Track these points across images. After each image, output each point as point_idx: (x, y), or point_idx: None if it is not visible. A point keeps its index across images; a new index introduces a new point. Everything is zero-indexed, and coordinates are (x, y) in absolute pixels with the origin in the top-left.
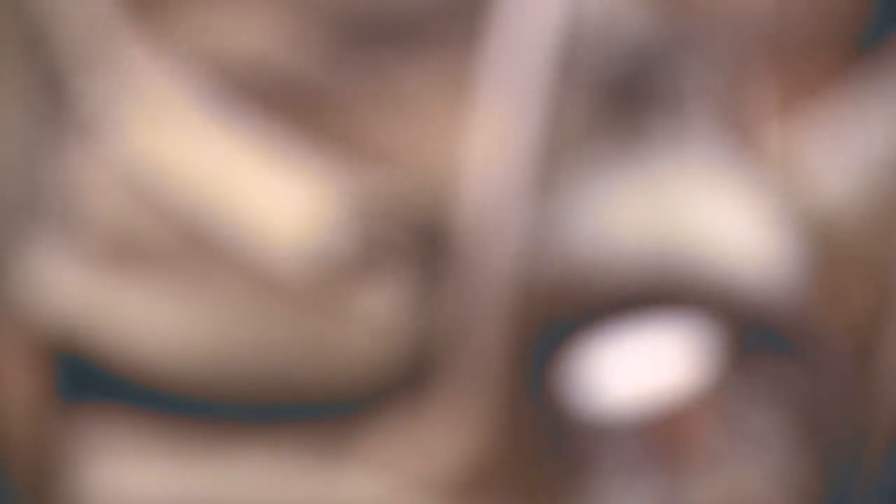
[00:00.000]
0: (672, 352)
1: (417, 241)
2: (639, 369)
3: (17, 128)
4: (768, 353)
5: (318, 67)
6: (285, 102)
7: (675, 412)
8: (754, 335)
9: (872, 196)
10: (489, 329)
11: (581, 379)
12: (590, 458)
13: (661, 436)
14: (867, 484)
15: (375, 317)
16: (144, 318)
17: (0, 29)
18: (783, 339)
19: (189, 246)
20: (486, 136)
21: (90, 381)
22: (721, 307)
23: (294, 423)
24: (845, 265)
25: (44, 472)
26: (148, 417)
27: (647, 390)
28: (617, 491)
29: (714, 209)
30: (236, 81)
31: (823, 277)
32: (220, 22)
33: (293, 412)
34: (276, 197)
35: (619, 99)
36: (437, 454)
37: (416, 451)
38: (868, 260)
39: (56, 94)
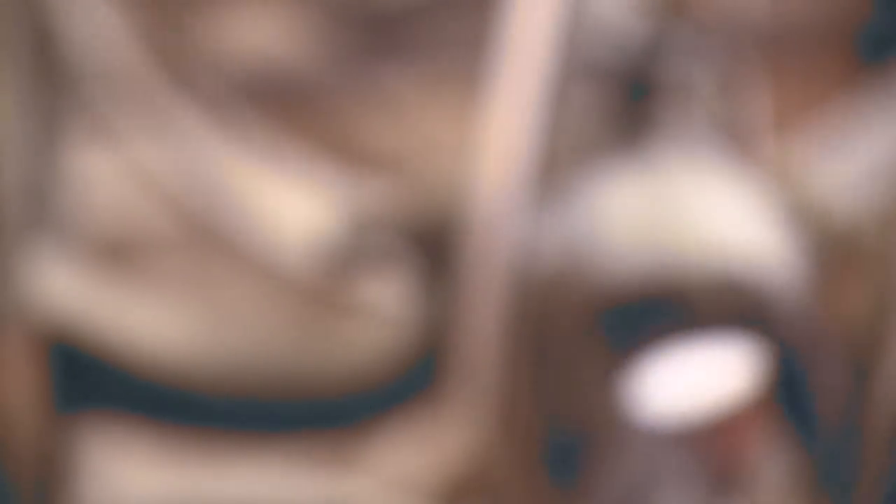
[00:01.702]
0: (723, 359)
1: (418, 242)
2: (692, 376)
3: (20, 129)
4: (765, 353)
5: (320, 69)
6: (287, 105)
7: (727, 421)
8: (753, 336)
9: (873, 199)
10: (489, 329)
11: (634, 386)
12: (640, 470)
13: (713, 445)
14: (867, 485)
15: (377, 314)
16: (148, 316)
17: (5, 31)
18: (785, 341)
19: (194, 244)
20: (488, 137)
21: (90, 383)
22: (722, 308)
23: (296, 429)
24: (845, 267)
25: (44, 475)
26: (150, 423)
27: (699, 398)
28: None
29: (715, 209)
30: (239, 84)
31: (823, 279)
32: (223, 25)
33: (295, 415)
34: (279, 198)
35: (619, 99)
36: (438, 456)
37: (417, 453)
38: (868, 262)
39: (59, 96)
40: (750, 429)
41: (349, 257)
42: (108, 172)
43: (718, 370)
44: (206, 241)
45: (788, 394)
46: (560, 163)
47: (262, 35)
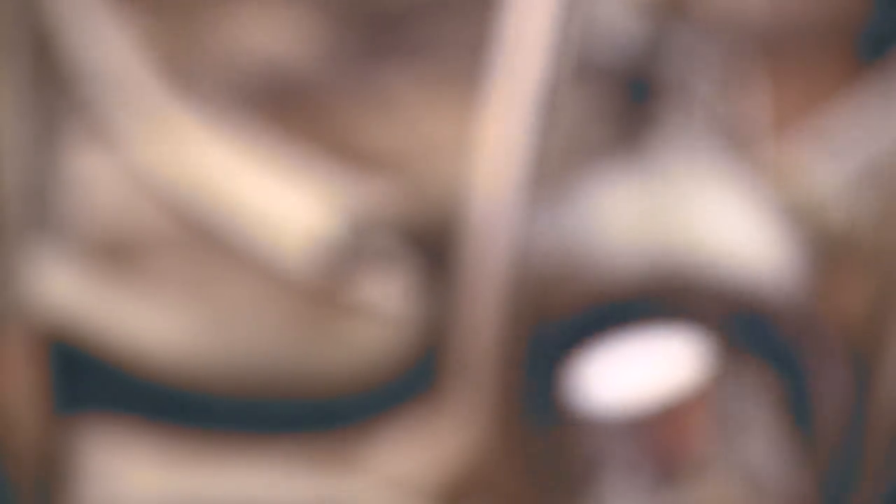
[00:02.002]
0: (670, 350)
1: (417, 242)
2: (637, 367)
3: (19, 129)
4: (764, 353)
5: (320, 70)
6: (287, 105)
7: (672, 411)
8: (751, 334)
9: (872, 199)
10: (488, 329)
11: (580, 377)
12: (588, 459)
13: (658, 435)
14: (867, 485)
15: (377, 314)
16: (148, 316)
17: (4, 32)
18: (782, 338)
19: (194, 244)
20: (486, 137)
21: (90, 384)
22: (720, 306)
23: (296, 430)
24: (844, 267)
25: (44, 475)
26: (150, 424)
27: (644, 389)
28: (613, 492)
29: (714, 209)
30: (240, 84)
31: (822, 279)
32: (224, 26)
33: (295, 415)
34: (279, 198)
35: (618, 99)
36: (438, 456)
37: (417, 454)
38: (867, 263)
39: (59, 97)
40: (695, 420)
41: (349, 257)
42: (108, 173)
43: (663, 361)
44: (205, 240)
45: (788, 393)
46: (558, 163)
47: (262, 36)
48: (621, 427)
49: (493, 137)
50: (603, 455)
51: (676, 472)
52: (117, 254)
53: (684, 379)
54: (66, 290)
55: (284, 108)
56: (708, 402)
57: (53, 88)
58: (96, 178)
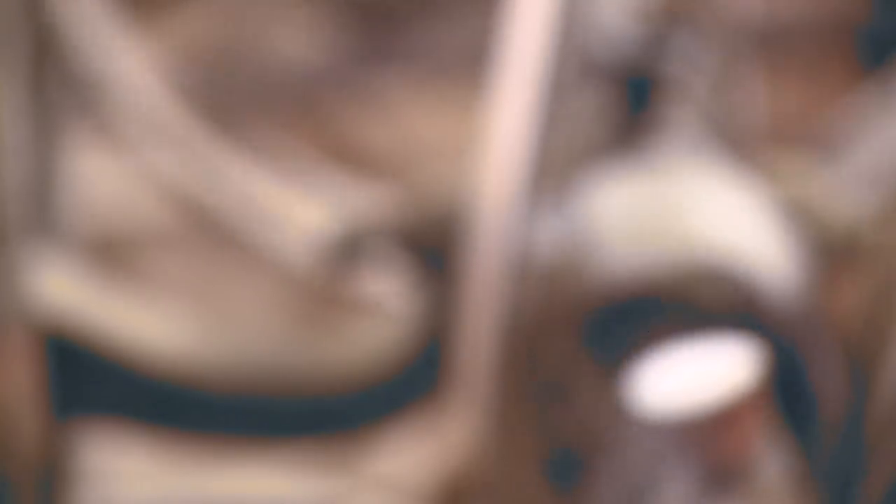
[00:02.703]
0: (718, 354)
1: (417, 243)
2: (685, 371)
3: (20, 129)
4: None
5: (320, 73)
6: (288, 107)
7: (725, 413)
8: (751, 333)
9: (872, 199)
10: (487, 330)
11: (627, 381)
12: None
13: (707, 443)
14: (867, 484)
15: (377, 314)
16: (149, 315)
17: (5, 33)
18: (781, 338)
19: (195, 243)
20: (486, 138)
21: (90, 386)
22: (720, 306)
23: (297, 431)
24: (844, 268)
25: (44, 477)
26: (149, 426)
27: (696, 392)
28: (663, 498)
29: (713, 210)
30: (241, 87)
31: (822, 280)
32: (225, 28)
33: (296, 415)
34: (280, 198)
35: (618, 100)
36: (438, 459)
37: (418, 456)
38: (867, 264)
39: (60, 97)
40: (747, 425)
41: (348, 258)
42: (109, 172)
43: (714, 366)
44: (206, 240)
45: (787, 394)
46: (559, 164)
47: (263, 40)
48: (674, 434)
49: (494, 139)
50: (654, 464)
51: (728, 479)
52: (117, 253)
53: (735, 384)
54: (66, 289)
55: (284, 110)
56: (758, 408)
57: (53, 88)
58: (96, 178)
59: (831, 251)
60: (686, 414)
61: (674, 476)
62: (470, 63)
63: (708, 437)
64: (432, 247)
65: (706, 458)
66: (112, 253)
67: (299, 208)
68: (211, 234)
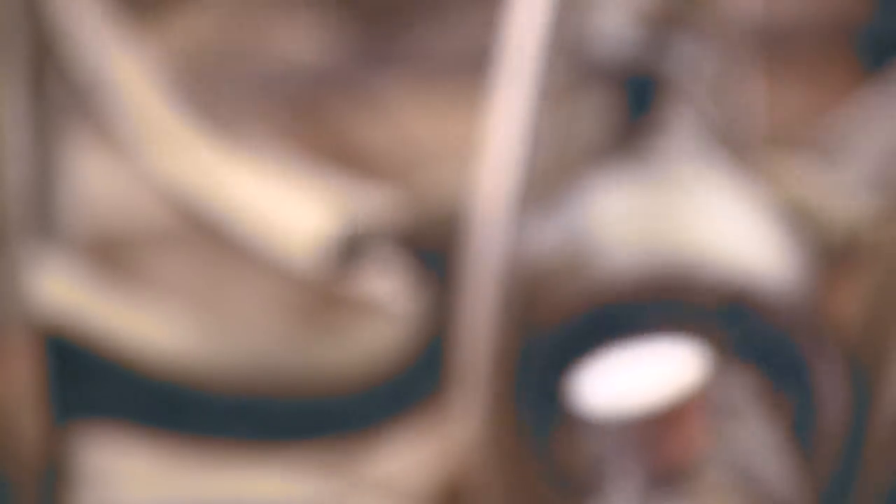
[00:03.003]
0: (668, 352)
1: (417, 244)
2: (635, 369)
3: (20, 129)
4: (763, 353)
5: (320, 75)
6: (288, 110)
7: (669, 413)
8: (750, 334)
9: (872, 201)
10: (487, 331)
11: (580, 379)
12: (590, 461)
13: (655, 437)
14: (867, 488)
15: (377, 314)
16: (149, 315)
17: (5, 36)
18: (781, 339)
19: (195, 244)
20: (486, 139)
21: (90, 389)
22: (719, 307)
23: (298, 433)
24: (844, 269)
25: (43, 480)
26: (149, 429)
27: (642, 391)
28: (614, 495)
29: (712, 210)
30: (241, 88)
31: (822, 281)
32: (226, 30)
33: (297, 417)
34: (280, 200)
35: (617, 101)
36: (439, 461)
37: (418, 459)
38: (867, 265)
39: (60, 98)
40: (691, 426)
41: (349, 259)
42: (109, 173)
43: (657, 368)
44: (207, 240)
45: (787, 395)
46: (557, 165)
47: (265, 41)
48: (619, 429)
49: (493, 141)
50: (603, 458)
51: (674, 475)
52: (117, 254)
53: (681, 381)
54: (66, 290)
55: (285, 112)
56: (704, 404)
57: (54, 90)
58: (96, 179)
59: (831, 252)
60: (630, 415)
61: (619, 476)
62: (469, 65)
63: (652, 437)
64: (432, 248)
65: (650, 458)
66: (112, 254)
67: (299, 209)
68: (211, 235)
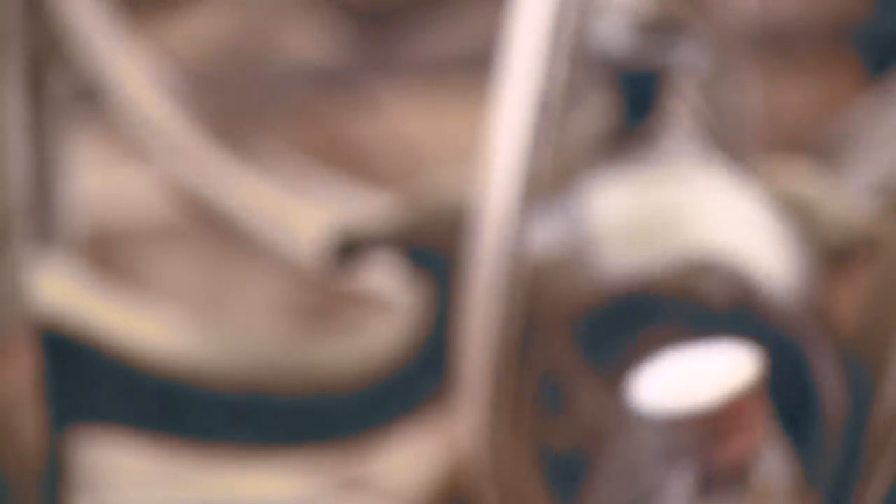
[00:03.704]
0: (724, 354)
1: (418, 245)
2: (690, 370)
3: (20, 128)
4: (764, 359)
5: (320, 77)
6: (288, 111)
7: (725, 413)
8: (751, 334)
9: (873, 202)
10: (488, 330)
11: (626, 381)
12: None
13: (707, 442)
14: (867, 486)
15: (378, 313)
16: (150, 314)
17: (7, 36)
18: (782, 339)
19: (195, 244)
20: (485, 141)
21: (89, 392)
22: (720, 306)
23: (299, 437)
24: (844, 271)
25: (42, 485)
26: (147, 434)
27: (697, 391)
28: (664, 495)
29: (713, 211)
30: (239, 90)
31: (822, 282)
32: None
33: (299, 418)
34: (280, 202)
35: (617, 102)
36: (439, 464)
37: (419, 462)
38: (867, 267)
39: (61, 100)
40: (746, 426)
41: (350, 260)
42: (110, 173)
43: (713, 367)
44: (207, 241)
45: (788, 394)
46: (558, 164)
47: (266, 43)
48: (673, 429)
49: (495, 141)
50: (654, 462)
51: (728, 478)
52: (118, 254)
53: (736, 382)
54: (66, 290)
55: (285, 113)
56: (760, 405)
57: (54, 89)
58: (97, 179)
59: (831, 252)
60: (684, 414)
61: (673, 477)
62: (471, 66)
63: (707, 437)
64: (434, 248)
65: (705, 458)
66: (112, 253)
67: (300, 210)
68: (212, 235)
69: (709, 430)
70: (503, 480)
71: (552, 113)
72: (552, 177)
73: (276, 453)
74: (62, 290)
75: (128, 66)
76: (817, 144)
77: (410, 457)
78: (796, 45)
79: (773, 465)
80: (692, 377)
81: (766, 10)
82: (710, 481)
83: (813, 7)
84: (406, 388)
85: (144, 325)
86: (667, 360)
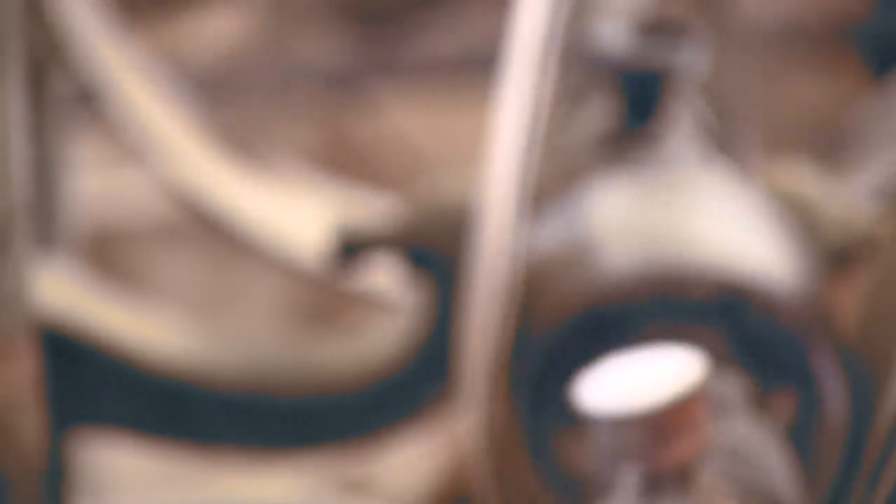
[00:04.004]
0: (667, 352)
1: (419, 246)
2: (637, 370)
3: (20, 127)
4: (764, 354)
5: (320, 78)
6: (288, 113)
7: (670, 413)
8: (750, 335)
9: (874, 203)
10: (489, 330)
11: (583, 378)
12: (593, 461)
13: (654, 436)
14: (868, 490)
15: (379, 314)
16: (150, 313)
17: (8, 38)
18: (782, 339)
19: (195, 245)
20: (487, 142)
21: (88, 396)
22: (720, 306)
23: (300, 440)
24: (844, 272)
25: (41, 487)
26: (147, 437)
27: (643, 391)
28: (612, 495)
29: (714, 213)
30: (237, 92)
31: (823, 283)
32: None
33: (298, 420)
34: (280, 204)
35: (617, 103)
36: (440, 467)
37: (420, 465)
38: (867, 268)
39: (62, 100)
40: (691, 426)
41: (351, 260)
42: (111, 174)
43: (658, 369)
44: (208, 240)
45: (789, 394)
46: (559, 165)
47: (268, 44)
48: (620, 429)
49: (496, 142)
50: (604, 458)
51: (675, 476)
52: (118, 254)
53: (682, 381)
54: (66, 290)
55: (285, 114)
56: (705, 404)
57: (55, 89)
58: (98, 179)
59: (832, 252)
60: (630, 414)
61: (620, 478)
62: (471, 68)
63: (651, 439)
64: (435, 249)
65: (650, 460)
66: (114, 255)
67: (302, 210)
68: (213, 236)
69: (653, 431)
70: (504, 480)
71: (552, 114)
72: (553, 178)
73: (276, 454)
74: (63, 291)
75: (128, 67)
76: (819, 144)
77: (411, 457)
78: (798, 45)
79: (713, 469)
80: (637, 380)
81: (768, 11)
82: (655, 482)
83: (814, 7)
84: (407, 389)
85: (145, 325)
86: (613, 362)
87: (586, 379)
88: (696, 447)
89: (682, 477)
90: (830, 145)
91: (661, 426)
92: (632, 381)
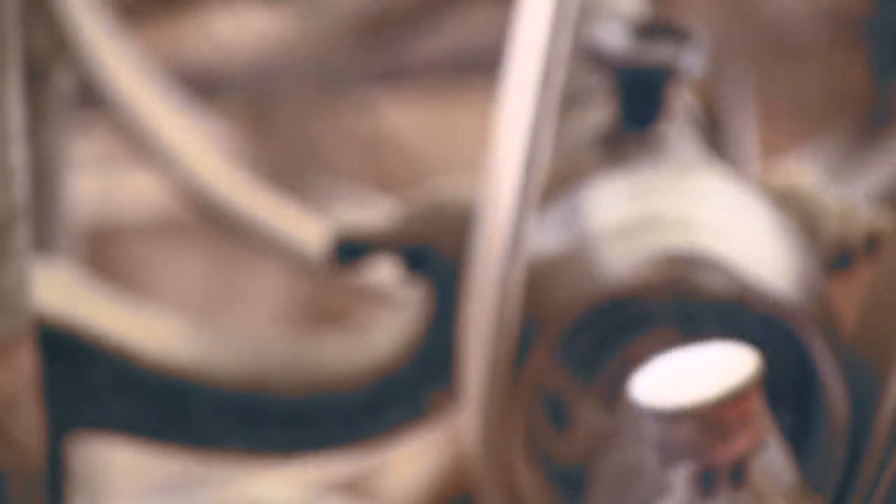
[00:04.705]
0: (720, 352)
1: (419, 246)
2: (687, 368)
3: (20, 127)
4: (764, 354)
5: (319, 79)
6: (287, 114)
7: (716, 414)
8: (751, 335)
9: (875, 204)
10: (489, 330)
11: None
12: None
13: (702, 439)
14: (868, 489)
15: (379, 314)
16: (151, 315)
17: (7, 36)
18: (782, 340)
19: (195, 245)
20: (489, 142)
21: (88, 399)
22: (720, 307)
23: (301, 441)
24: (844, 273)
25: (40, 488)
26: (146, 441)
27: (694, 389)
28: (659, 493)
29: (713, 212)
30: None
31: (823, 283)
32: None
33: (299, 420)
34: (279, 207)
35: (618, 103)
36: (440, 468)
37: (421, 467)
38: (868, 269)
39: (63, 100)
40: (745, 422)
41: (352, 261)
42: (111, 174)
43: (711, 364)
44: (208, 241)
45: (789, 396)
46: (558, 168)
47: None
48: (671, 427)
49: (497, 143)
50: (651, 457)
51: (725, 475)
52: (119, 254)
53: (735, 375)
54: (66, 290)
55: (285, 115)
56: (758, 403)
57: (55, 89)
58: (99, 179)
59: (832, 252)
60: (681, 413)
61: (672, 476)
62: (471, 69)
63: (705, 436)
64: (436, 250)
65: (704, 457)
66: (113, 254)
67: (303, 211)
68: (214, 235)
69: (707, 428)
70: (504, 480)
71: (553, 115)
72: (553, 179)
73: (276, 454)
74: (62, 291)
75: (128, 67)
76: (820, 144)
77: (412, 457)
78: (800, 43)
79: (774, 465)
80: (689, 376)
81: (770, 8)
82: (710, 480)
83: (818, 4)
84: (407, 388)
85: (145, 325)
86: (664, 359)
87: (641, 375)
88: (751, 443)
89: (737, 473)
90: (832, 143)
91: (717, 422)
92: (687, 377)
